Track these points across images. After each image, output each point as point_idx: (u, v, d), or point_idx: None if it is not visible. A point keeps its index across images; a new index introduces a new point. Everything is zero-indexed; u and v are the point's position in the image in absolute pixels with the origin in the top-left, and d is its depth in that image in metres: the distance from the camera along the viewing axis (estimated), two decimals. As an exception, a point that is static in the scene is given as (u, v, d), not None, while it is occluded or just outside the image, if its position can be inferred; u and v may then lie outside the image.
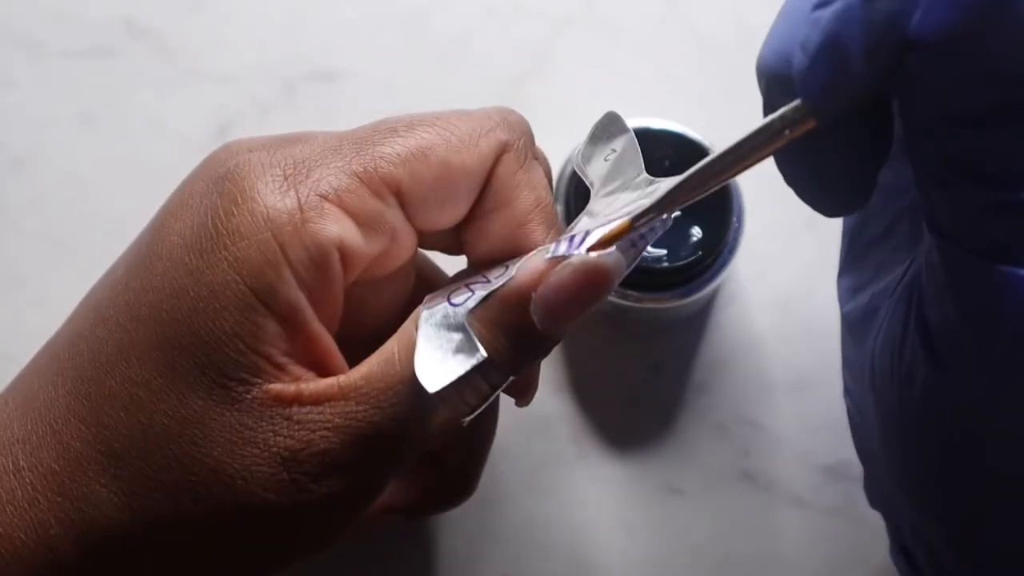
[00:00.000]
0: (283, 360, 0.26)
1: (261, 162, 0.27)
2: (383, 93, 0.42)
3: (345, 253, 0.26)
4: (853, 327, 0.30)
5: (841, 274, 0.32)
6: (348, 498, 0.26)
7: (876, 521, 0.33)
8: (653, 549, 0.38)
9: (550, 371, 0.39)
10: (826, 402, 0.39)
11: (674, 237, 0.36)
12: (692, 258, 0.35)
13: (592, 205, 0.29)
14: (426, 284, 0.32)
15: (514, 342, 0.26)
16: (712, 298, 0.40)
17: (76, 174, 0.41)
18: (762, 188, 0.40)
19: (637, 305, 0.36)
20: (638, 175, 0.28)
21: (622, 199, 0.28)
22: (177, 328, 0.26)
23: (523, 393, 0.30)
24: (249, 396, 0.25)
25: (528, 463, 0.39)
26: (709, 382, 0.40)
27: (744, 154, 0.25)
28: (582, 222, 0.28)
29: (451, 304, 0.26)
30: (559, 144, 0.36)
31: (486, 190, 0.28)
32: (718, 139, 0.36)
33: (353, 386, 0.26)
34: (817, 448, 0.39)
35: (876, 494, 0.32)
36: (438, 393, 0.25)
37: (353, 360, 0.27)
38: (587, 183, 0.29)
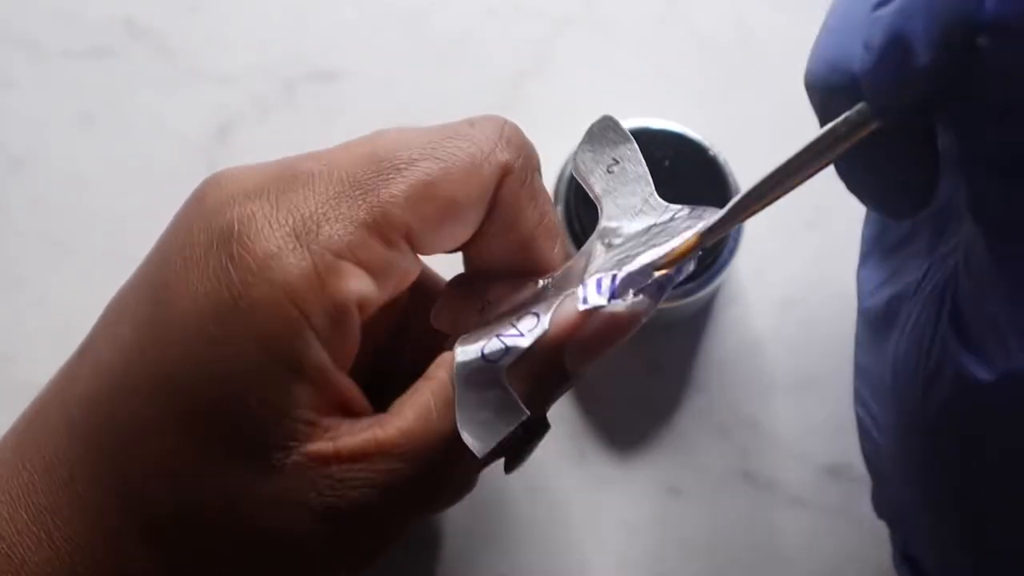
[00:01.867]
0: (314, 417, 0.26)
1: (267, 219, 0.26)
2: (383, 93, 0.42)
3: (363, 306, 0.26)
4: (871, 326, 0.30)
5: (862, 266, 0.31)
6: (379, 546, 0.27)
7: (876, 521, 0.33)
8: (653, 549, 0.38)
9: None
10: (826, 402, 0.39)
11: None
12: None
13: (603, 225, 0.29)
14: (421, 287, 0.32)
15: (544, 387, 0.27)
16: (712, 298, 0.40)
17: (76, 174, 0.41)
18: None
19: None
20: (649, 195, 0.29)
21: (638, 226, 0.29)
22: (205, 400, 0.25)
23: None
24: (289, 461, 0.26)
25: (528, 463, 0.39)
26: (709, 382, 0.40)
27: (809, 160, 0.25)
28: (597, 251, 0.29)
29: (486, 359, 0.27)
30: (559, 144, 0.36)
31: (491, 212, 0.28)
32: (718, 139, 0.36)
33: (392, 443, 0.26)
34: (817, 448, 0.39)
35: (884, 503, 0.32)
36: (477, 455, 0.26)
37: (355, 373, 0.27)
38: (592, 197, 0.30)
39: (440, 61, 0.42)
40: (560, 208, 0.36)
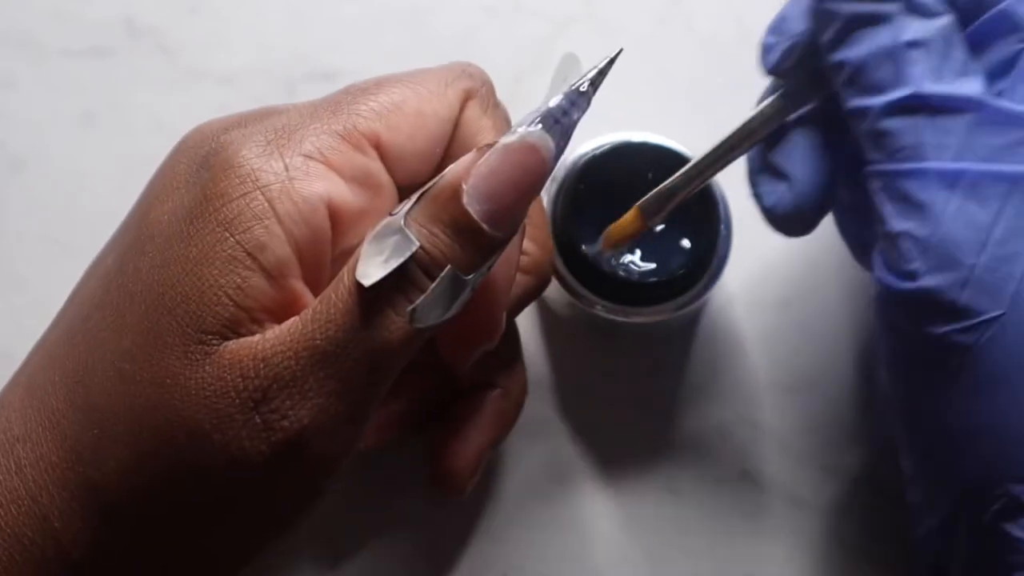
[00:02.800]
0: (263, 316, 0.26)
1: (242, 135, 0.27)
2: (383, 93, 0.42)
3: (334, 209, 0.27)
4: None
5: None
6: (321, 430, 0.25)
7: (876, 521, 0.33)
8: (653, 549, 0.38)
9: (549, 371, 0.40)
10: (826, 402, 0.39)
11: (663, 250, 0.36)
12: (682, 271, 0.35)
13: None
14: None
15: (455, 236, 0.26)
16: (704, 307, 0.40)
17: (76, 174, 0.42)
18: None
19: (628, 320, 0.36)
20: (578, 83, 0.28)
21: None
22: (166, 293, 0.26)
23: (491, 335, 0.30)
24: (221, 347, 0.25)
25: (528, 463, 0.39)
26: (709, 382, 0.40)
27: (731, 146, 0.32)
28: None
29: (391, 215, 0.26)
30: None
31: (454, 136, 0.29)
32: (716, 140, 0.36)
33: (310, 314, 0.26)
34: (817, 448, 0.39)
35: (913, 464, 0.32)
36: (380, 294, 0.25)
37: None
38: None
39: (440, 61, 0.42)
40: (548, 209, 0.36)
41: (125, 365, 0.25)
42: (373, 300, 0.25)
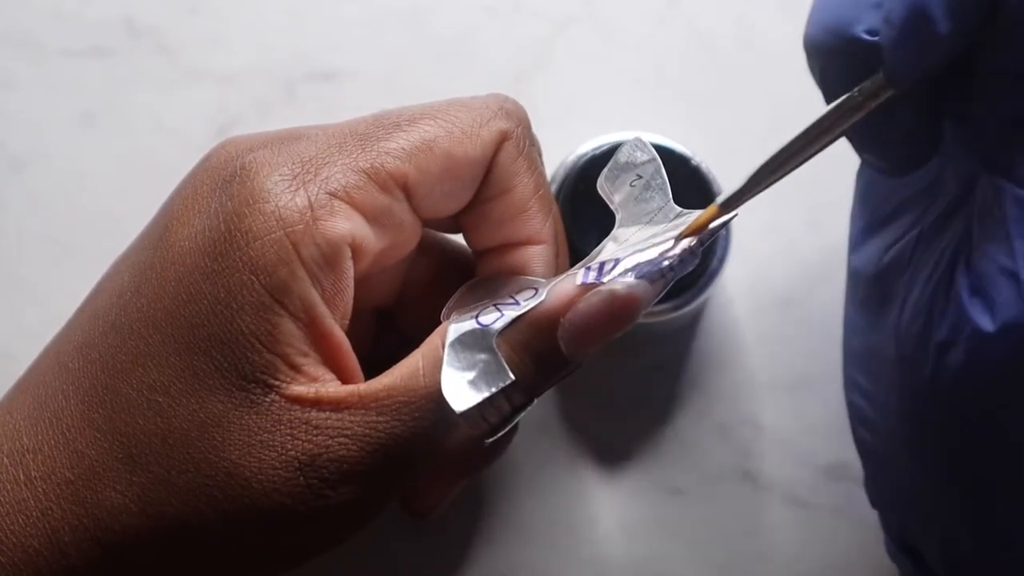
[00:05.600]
0: (300, 360, 0.26)
1: (268, 161, 0.27)
2: (383, 93, 0.42)
3: (356, 248, 0.27)
4: (865, 305, 0.30)
5: (852, 251, 0.32)
6: (362, 505, 0.26)
7: (876, 521, 0.33)
8: (653, 549, 0.38)
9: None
10: (826, 402, 0.39)
11: None
12: None
13: (617, 231, 0.29)
14: (452, 259, 0.32)
15: (539, 365, 0.26)
16: (704, 306, 0.40)
17: (76, 174, 0.42)
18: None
19: None
20: (665, 204, 0.29)
21: (649, 231, 0.28)
22: (195, 331, 0.26)
23: None
24: (268, 399, 0.25)
25: (528, 463, 0.39)
26: (709, 382, 0.40)
27: (827, 127, 0.26)
28: (608, 248, 0.28)
29: (479, 324, 0.26)
30: (558, 144, 0.36)
31: (487, 177, 0.29)
32: (717, 139, 0.36)
33: (374, 396, 0.26)
34: (817, 448, 0.39)
35: (880, 490, 0.32)
36: (462, 412, 0.25)
37: (353, 339, 0.27)
38: (611, 207, 0.30)
39: (440, 61, 0.42)
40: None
41: (158, 398, 0.26)
42: (450, 412, 0.25)
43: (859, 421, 0.31)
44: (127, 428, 0.26)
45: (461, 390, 0.25)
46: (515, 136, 0.29)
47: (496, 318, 0.27)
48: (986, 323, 0.25)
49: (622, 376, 0.40)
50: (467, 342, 0.26)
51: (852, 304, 0.32)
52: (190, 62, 0.42)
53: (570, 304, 0.26)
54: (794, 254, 0.40)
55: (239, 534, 0.26)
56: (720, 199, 0.27)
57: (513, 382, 0.26)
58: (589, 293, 0.26)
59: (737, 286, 0.40)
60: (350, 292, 0.27)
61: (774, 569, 0.38)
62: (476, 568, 0.38)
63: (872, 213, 0.31)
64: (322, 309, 0.26)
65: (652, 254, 0.27)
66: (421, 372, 0.26)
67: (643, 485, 0.39)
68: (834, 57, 0.26)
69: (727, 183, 0.36)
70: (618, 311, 0.26)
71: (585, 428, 0.39)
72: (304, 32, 0.43)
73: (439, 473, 0.33)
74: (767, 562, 0.38)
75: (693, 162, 0.36)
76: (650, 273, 0.27)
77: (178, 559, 0.26)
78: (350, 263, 0.27)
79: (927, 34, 0.23)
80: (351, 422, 0.26)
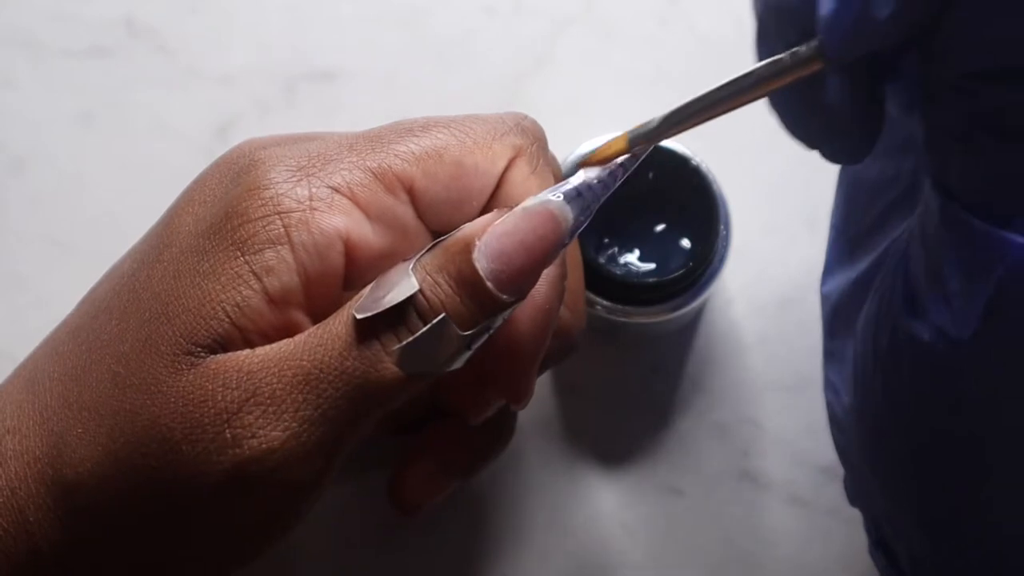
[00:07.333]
0: (257, 339, 0.26)
1: (277, 155, 0.27)
2: (383, 93, 0.42)
3: (351, 245, 0.27)
4: (838, 312, 0.30)
5: (827, 273, 0.32)
6: (291, 455, 0.25)
7: (876, 521, 0.33)
8: (653, 549, 0.38)
9: (549, 371, 0.39)
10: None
11: (663, 250, 0.36)
12: (682, 271, 0.35)
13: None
14: None
15: (457, 289, 0.26)
16: (704, 307, 0.40)
17: (76, 174, 0.42)
18: (761, 189, 0.40)
19: (628, 320, 0.36)
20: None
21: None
22: (171, 303, 0.26)
23: (517, 397, 0.29)
24: (209, 359, 0.25)
25: (528, 464, 0.39)
26: (709, 382, 0.40)
27: (747, 87, 0.24)
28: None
29: (405, 259, 0.27)
30: (559, 144, 0.36)
31: (497, 193, 0.29)
32: (717, 139, 0.36)
33: (303, 336, 0.26)
34: (817, 448, 0.39)
35: (855, 489, 0.32)
36: (372, 329, 0.25)
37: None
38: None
39: (440, 60, 0.42)
40: None
41: (119, 369, 0.26)
42: (364, 333, 0.25)
43: (832, 420, 0.31)
44: (90, 402, 0.26)
45: (370, 304, 0.25)
46: (528, 153, 0.29)
47: (422, 251, 0.27)
48: (923, 332, 0.24)
49: (622, 376, 0.40)
50: (390, 274, 0.26)
51: (825, 306, 0.32)
52: (190, 62, 0.42)
53: (486, 226, 0.26)
54: (794, 254, 0.40)
55: (180, 505, 0.25)
56: (631, 133, 0.27)
57: (425, 301, 0.25)
58: (506, 215, 0.26)
59: (737, 286, 0.40)
60: (336, 288, 0.27)
61: (774, 569, 0.38)
62: (476, 568, 0.38)
63: (847, 216, 0.31)
64: (299, 299, 0.26)
65: (617, 142, 0.27)
66: (347, 307, 0.26)
67: (643, 485, 0.39)
68: (779, 15, 0.24)
69: (727, 183, 0.36)
70: (535, 227, 0.26)
71: (585, 428, 0.39)
72: (304, 32, 0.43)
73: (393, 424, 0.32)
74: (767, 562, 0.38)
75: (693, 162, 0.36)
76: (568, 192, 0.27)
77: (133, 539, 0.26)
78: (341, 257, 0.26)
79: (865, 13, 0.22)
80: (279, 360, 0.25)
